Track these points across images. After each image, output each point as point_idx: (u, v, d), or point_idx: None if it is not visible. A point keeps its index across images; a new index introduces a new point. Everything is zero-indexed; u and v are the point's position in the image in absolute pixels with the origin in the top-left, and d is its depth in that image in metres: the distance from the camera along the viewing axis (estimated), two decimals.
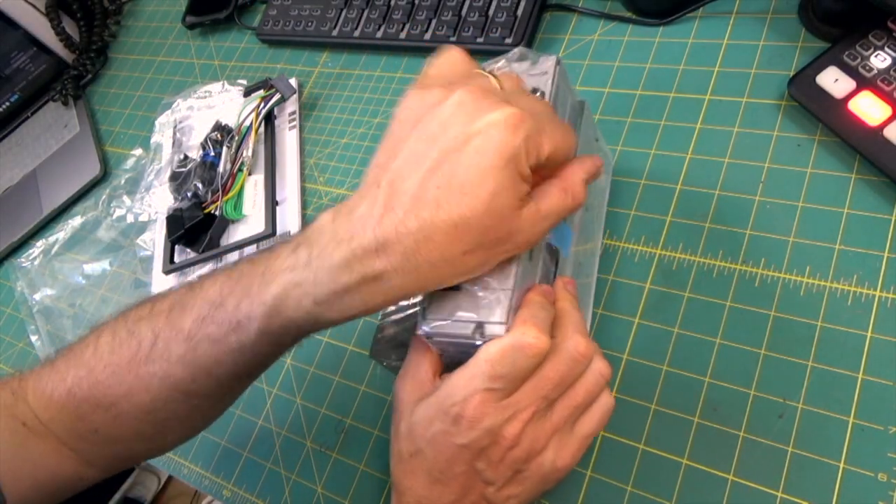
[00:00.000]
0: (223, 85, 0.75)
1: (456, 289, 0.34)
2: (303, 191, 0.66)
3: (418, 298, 0.38)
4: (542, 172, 0.33)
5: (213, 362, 0.36)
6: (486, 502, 0.35)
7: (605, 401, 0.36)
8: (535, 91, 0.39)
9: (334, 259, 0.31)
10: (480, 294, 0.33)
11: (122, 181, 0.76)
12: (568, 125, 0.34)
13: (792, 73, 0.48)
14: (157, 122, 0.77)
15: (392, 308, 0.44)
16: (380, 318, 0.45)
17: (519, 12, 0.61)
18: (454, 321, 0.33)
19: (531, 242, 0.33)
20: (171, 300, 0.38)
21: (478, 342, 0.33)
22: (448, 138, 0.30)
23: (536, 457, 0.34)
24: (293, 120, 0.70)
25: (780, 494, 0.38)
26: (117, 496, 1.39)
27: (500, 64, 0.41)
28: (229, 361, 0.36)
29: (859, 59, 0.46)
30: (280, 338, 0.36)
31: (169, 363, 0.37)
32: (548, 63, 0.40)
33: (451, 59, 0.35)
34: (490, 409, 0.32)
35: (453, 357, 0.35)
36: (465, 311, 0.33)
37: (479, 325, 0.33)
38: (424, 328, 0.34)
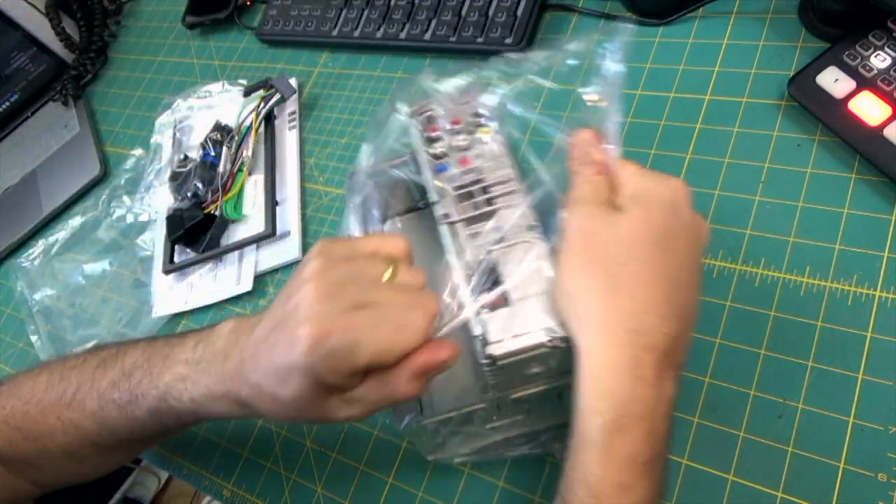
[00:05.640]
0: (223, 85, 0.75)
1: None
2: (303, 191, 0.66)
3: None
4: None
5: (115, 424, 0.41)
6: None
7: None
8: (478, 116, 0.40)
9: (214, 369, 0.36)
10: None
11: (122, 181, 0.76)
12: (415, 318, 0.31)
13: (792, 73, 0.48)
14: (157, 123, 0.77)
15: None
16: None
17: (519, 12, 0.61)
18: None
19: (354, 418, 0.34)
20: (102, 356, 0.43)
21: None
22: (286, 318, 0.32)
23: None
24: (293, 120, 0.70)
25: (780, 494, 0.38)
26: (117, 496, 1.38)
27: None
28: (126, 427, 0.41)
29: (859, 59, 0.46)
30: (165, 420, 0.40)
31: (83, 415, 0.42)
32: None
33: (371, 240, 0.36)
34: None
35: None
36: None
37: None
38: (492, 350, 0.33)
